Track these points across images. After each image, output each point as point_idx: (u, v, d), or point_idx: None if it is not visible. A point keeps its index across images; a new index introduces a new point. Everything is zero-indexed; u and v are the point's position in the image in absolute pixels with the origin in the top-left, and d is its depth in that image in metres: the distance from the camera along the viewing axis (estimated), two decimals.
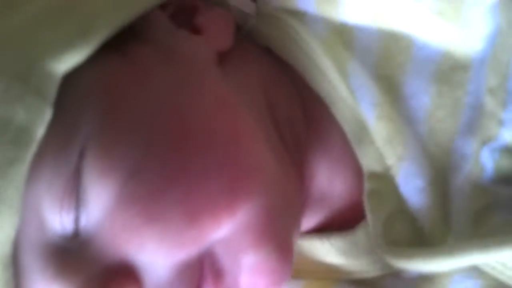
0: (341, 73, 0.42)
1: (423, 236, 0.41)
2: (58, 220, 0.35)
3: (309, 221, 0.45)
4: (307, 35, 0.43)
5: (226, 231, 0.36)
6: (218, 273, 0.36)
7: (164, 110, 0.37)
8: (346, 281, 0.45)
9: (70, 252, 0.36)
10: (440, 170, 0.41)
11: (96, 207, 0.35)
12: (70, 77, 0.36)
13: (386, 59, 0.41)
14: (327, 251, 0.44)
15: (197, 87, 0.39)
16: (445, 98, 0.40)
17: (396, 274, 0.43)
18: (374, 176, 0.42)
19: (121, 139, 0.35)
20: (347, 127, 0.42)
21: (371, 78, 0.41)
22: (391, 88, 0.41)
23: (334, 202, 0.45)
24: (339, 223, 0.45)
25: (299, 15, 0.43)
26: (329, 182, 0.44)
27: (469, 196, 0.40)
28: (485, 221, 0.40)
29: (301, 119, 0.44)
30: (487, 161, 0.40)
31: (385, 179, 0.42)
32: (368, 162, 0.42)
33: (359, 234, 0.43)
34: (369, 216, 0.42)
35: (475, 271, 0.41)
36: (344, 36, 0.42)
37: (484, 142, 0.40)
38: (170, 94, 0.38)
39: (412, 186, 0.41)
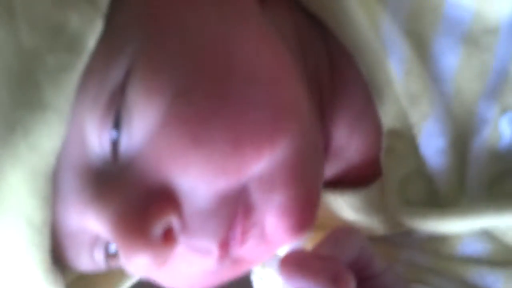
0: (373, 25, 0.41)
1: (438, 198, 0.41)
2: (98, 141, 0.35)
3: (325, 173, 0.45)
4: None
5: (264, 165, 0.36)
6: (249, 209, 0.36)
7: (213, 36, 0.36)
8: None
9: (110, 176, 0.35)
10: (461, 133, 0.41)
11: (140, 125, 0.34)
12: None
13: (417, 15, 0.41)
14: (339, 206, 0.44)
15: (243, 19, 0.38)
16: (473, 60, 0.40)
17: (406, 234, 0.44)
18: (394, 134, 0.42)
19: (169, 60, 0.35)
20: (372, 82, 0.42)
21: (401, 33, 0.41)
22: (420, 45, 0.41)
23: (350, 157, 0.44)
24: (353, 180, 0.44)
25: None
26: (347, 137, 0.44)
27: (485, 161, 0.40)
28: (499, 187, 0.40)
29: (326, 72, 0.44)
30: (505, 129, 0.40)
31: (405, 137, 0.42)
32: (389, 120, 0.42)
33: (373, 191, 0.43)
34: (385, 173, 0.42)
35: (486, 236, 0.41)
36: None
37: (505, 110, 0.40)
38: (219, 20, 0.37)
39: (433, 146, 0.41)
